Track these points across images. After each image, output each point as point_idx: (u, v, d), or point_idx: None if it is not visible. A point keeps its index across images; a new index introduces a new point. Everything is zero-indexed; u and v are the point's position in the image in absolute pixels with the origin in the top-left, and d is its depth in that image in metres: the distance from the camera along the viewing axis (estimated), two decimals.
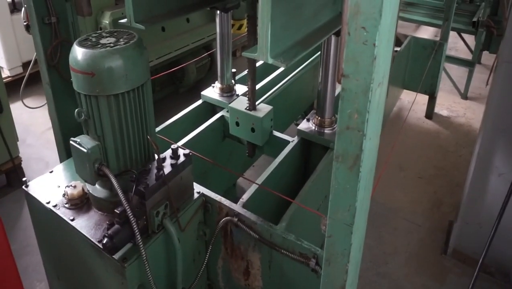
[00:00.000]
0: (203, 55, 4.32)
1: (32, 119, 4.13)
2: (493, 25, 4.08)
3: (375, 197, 3.11)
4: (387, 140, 3.76)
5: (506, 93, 2.19)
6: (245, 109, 2.29)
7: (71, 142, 1.50)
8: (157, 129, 2.25)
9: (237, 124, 2.34)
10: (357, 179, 1.10)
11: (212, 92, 2.73)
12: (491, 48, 4.15)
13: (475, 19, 4.36)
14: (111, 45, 1.47)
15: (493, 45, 4.10)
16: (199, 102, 2.73)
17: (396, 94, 4.09)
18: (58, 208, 1.67)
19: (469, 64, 4.63)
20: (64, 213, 1.65)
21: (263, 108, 2.31)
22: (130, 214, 1.43)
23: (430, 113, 4.29)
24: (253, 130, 2.29)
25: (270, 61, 1.41)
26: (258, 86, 2.59)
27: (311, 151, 2.40)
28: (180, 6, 2.03)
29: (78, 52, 1.43)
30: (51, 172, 1.89)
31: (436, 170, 3.57)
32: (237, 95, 2.65)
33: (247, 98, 2.29)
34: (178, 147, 1.70)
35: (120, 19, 1.84)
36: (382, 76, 1.07)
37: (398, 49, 3.50)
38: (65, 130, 2.11)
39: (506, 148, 2.29)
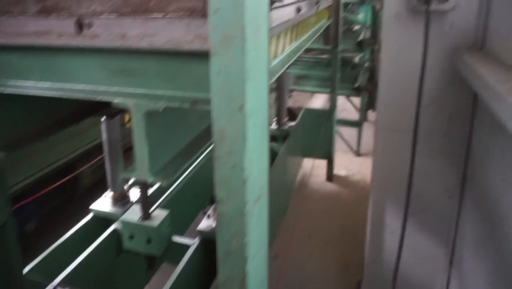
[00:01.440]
0: (99, 157, 4.05)
1: None
2: (371, 89, 4.59)
3: (286, 271, 3.09)
4: (293, 209, 3.84)
5: (385, 157, 2.35)
6: (139, 219, 2.11)
7: None
8: (36, 260, 1.94)
9: (131, 237, 2.13)
10: None
11: (103, 203, 2.50)
12: (374, 107, 4.62)
13: (356, 85, 4.87)
14: None
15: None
16: (89, 216, 2.46)
17: (298, 164, 4.23)
18: None
19: (357, 125, 5.05)
20: None
21: (158, 215, 2.15)
22: None
23: (330, 176, 4.51)
24: (149, 240, 2.09)
25: (151, 180, 1.33)
26: (152, 189, 2.44)
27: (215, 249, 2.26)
28: (53, 121, 1.87)
29: None
30: None
31: (342, 231, 3.70)
32: (132, 203, 2.45)
33: (139, 206, 2.12)
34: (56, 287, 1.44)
35: None
36: (258, 193, 1.01)
37: (293, 123, 3.67)
38: None
39: (394, 206, 2.41)
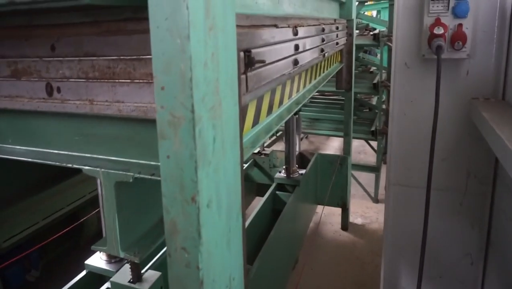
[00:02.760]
0: None
1: None
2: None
3: None
4: (303, 261, 3.60)
5: (397, 215, 2.15)
6: (129, 282, 1.96)
7: None
8: None
9: None
10: None
11: (99, 258, 2.37)
12: None
13: (373, 128, 4.69)
14: None
15: None
16: (83, 273, 2.33)
17: (309, 213, 4.03)
18: None
19: (374, 170, 4.82)
20: None
21: (149, 277, 1.99)
22: None
23: (345, 224, 4.26)
24: None
25: (122, 255, 1.20)
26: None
27: None
28: (37, 180, 1.79)
29: None
30: None
31: (355, 287, 3.38)
32: (125, 261, 2.31)
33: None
34: None
35: None
36: (225, 288, 0.85)
37: (303, 171, 3.50)
38: None
39: (408, 268, 2.17)
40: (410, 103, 2.00)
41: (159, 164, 0.94)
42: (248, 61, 0.99)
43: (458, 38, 1.76)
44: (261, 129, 1.30)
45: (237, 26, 0.84)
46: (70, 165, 1.21)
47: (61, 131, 1.23)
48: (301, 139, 5.89)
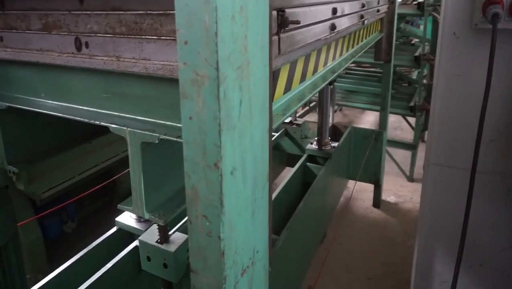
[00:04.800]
0: None
1: None
2: (429, 108, 4.16)
3: None
4: (332, 236, 3.55)
5: (435, 197, 2.04)
6: (156, 242, 1.99)
7: None
8: (57, 270, 1.89)
9: (148, 259, 2.02)
10: None
11: (128, 216, 2.42)
12: None
13: (412, 104, 4.47)
14: None
15: None
16: (114, 229, 2.40)
17: (340, 187, 3.95)
18: None
19: (411, 147, 4.63)
20: None
21: (176, 239, 2.01)
22: None
23: (377, 202, 4.14)
24: (165, 265, 1.96)
25: (147, 216, 1.19)
26: None
27: None
28: (68, 137, 1.82)
29: None
30: None
31: (385, 267, 3.31)
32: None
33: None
34: None
35: None
36: (248, 261, 0.82)
37: (336, 144, 3.40)
38: None
39: (445, 254, 2.08)
40: (458, 77, 1.84)
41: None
42: (281, 21, 0.91)
43: None
44: (293, 96, 1.23)
45: None
46: (98, 122, 1.19)
47: (89, 87, 1.22)
48: (335, 111, 5.71)
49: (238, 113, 0.67)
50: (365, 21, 2.14)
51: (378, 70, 4.98)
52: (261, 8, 0.74)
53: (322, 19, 1.33)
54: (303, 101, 1.31)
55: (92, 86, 1.21)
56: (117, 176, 3.80)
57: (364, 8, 2.14)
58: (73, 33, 1.13)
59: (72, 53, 1.16)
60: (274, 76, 1.07)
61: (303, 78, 1.32)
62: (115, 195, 4.17)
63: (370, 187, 4.17)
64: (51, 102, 1.35)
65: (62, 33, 1.16)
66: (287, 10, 0.96)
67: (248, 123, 0.72)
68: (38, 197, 2.48)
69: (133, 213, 1.20)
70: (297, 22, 0.97)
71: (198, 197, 0.70)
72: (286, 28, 0.96)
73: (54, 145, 1.82)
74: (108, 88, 1.18)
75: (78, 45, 1.13)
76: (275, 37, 0.91)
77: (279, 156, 4.13)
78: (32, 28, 1.23)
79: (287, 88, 1.20)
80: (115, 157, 3.96)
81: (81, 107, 1.27)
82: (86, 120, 1.24)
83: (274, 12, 0.90)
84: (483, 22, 1.65)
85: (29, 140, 1.68)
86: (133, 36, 0.99)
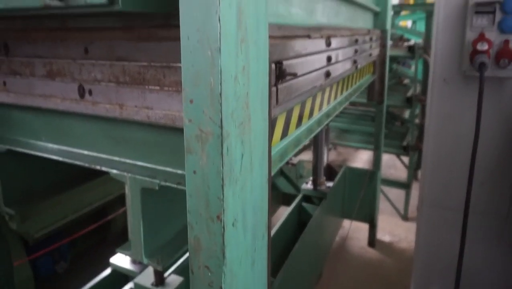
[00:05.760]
0: None
1: None
2: (421, 148, 4.22)
3: None
4: (328, 275, 3.50)
5: (429, 237, 2.04)
6: (151, 284, 1.95)
7: None
8: None
9: None
10: None
11: (123, 257, 2.38)
12: None
13: (405, 143, 4.53)
14: None
15: None
16: (108, 271, 2.35)
17: (337, 225, 3.93)
18: None
19: (405, 186, 4.66)
20: None
21: (172, 282, 1.97)
22: None
23: (372, 241, 4.12)
24: None
25: (145, 261, 1.19)
26: None
27: None
28: (63, 179, 1.83)
29: None
30: None
31: None
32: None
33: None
34: None
35: None
36: None
37: (331, 184, 3.41)
38: None
39: None
40: (449, 119, 1.90)
41: (185, 173, 0.92)
42: (279, 73, 0.95)
43: (504, 55, 1.65)
44: (289, 142, 1.26)
45: (269, 37, 0.81)
46: (98, 167, 1.21)
47: (91, 132, 1.24)
48: (329, 149, 5.77)
49: (240, 167, 0.70)
50: (358, 65, 2.22)
51: (371, 109, 5.08)
52: (262, 64, 0.78)
53: (317, 67, 1.39)
54: (299, 146, 1.34)
55: (93, 131, 1.24)
56: (111, 216, 3.76)
57: (357, 53, 2.23)
58: (76, 81, 1.17)
59: (75, 100, 1.19)
60: (271, 124, 1.11)
61: (299, 123, 1.36)
62: (108, 233, 4.10)
63: (365, 226, 4.15)
64: (52, 145, 1.37)
65: (65, 80, 1.20)
66: (284, 62, 1.01)
67: (249, 175, 0.75)
68: (31, 237, 2.45)
69: (132, 257, 1.20)
70: (294, 74, 1.01)
71: (200, 247, 0.71)
72: (284, 79, 1.00)
73: (49, 186, 1.83)
74: (109, 133, 1.20)
75: (82, 92, 1.17)
76: (274, 88, 0.95)
77: (275, 195, 4.13)
78: (36, 74, 1.27)
79: (284, 134, 1.23)
80: (108, 197, 3.94)
81: (81, 151, 1.29)
82: (86, 164, 1.25)
83: (273, 65, 0.95)
84: (471, 70, 1.73)
85: (25, 181, 1.68)
86: (136, 86, 1.03)
